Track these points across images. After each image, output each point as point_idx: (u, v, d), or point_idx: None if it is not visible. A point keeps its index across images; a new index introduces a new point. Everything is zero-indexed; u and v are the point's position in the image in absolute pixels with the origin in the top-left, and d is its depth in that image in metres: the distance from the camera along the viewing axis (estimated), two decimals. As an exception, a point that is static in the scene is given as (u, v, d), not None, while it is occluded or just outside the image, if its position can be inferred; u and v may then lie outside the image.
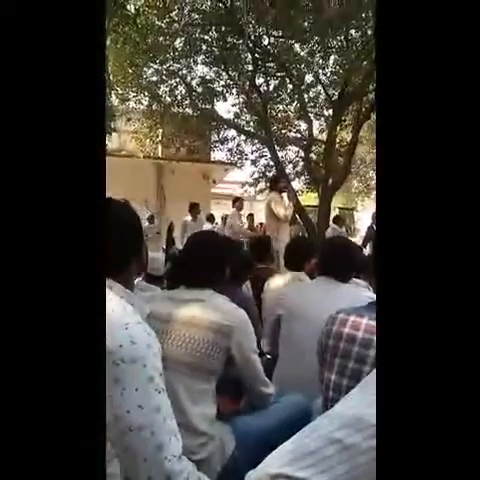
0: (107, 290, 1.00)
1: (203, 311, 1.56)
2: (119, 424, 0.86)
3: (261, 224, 8.86)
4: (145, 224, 8.96)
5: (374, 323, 1.26)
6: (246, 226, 10.00)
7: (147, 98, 9.38)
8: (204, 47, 8.74)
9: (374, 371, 0.67)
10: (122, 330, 0.90)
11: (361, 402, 0.65)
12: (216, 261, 1.69)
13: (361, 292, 2.09)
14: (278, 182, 5.73)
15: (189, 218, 8.61)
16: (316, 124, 10.93)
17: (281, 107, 10.76)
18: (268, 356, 2.47)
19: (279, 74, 9.46)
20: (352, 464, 0.60)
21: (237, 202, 7.66)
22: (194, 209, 8.49)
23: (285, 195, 5.57)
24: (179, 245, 7.27)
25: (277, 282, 3.08)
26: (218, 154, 11.96)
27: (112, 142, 9.60)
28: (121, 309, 0.95)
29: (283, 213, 5.27)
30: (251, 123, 10.61)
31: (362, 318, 1.33)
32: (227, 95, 9.74)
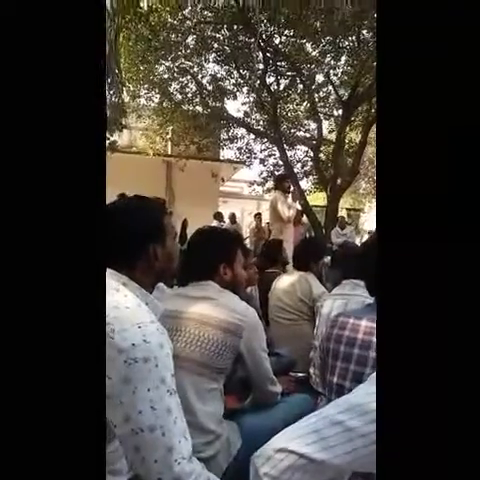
0: (122, 287, 0.99)
1: (213, 309, 1.56)
2: (130, 424, 0.85)
3: (268, 224, 8.80)
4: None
5: (372, 324, 1.27)
6: (254, 225, 10.00)
7: (158, 95, 9.40)
8: (216, 45, 8.76)
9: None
10: (135, 329, 0.88)
11: (364, 392, 0.70)
12: (211, 253, 1.69)
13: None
14: (283, 181, 5.45)
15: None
16: (326, 124, 10.93)
17: (291, 107, 10.73)
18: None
19: (290, 73, 9.45)
20: (352, 445, 0.65)
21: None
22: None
23: (290, 195, 5.34)
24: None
25: (284, 281, 3.10)
26: (227, 152, 11.96)
27: (122, 139, 9.61)
28: (135, 307, 0.95)
29: (287, 213, 5.12)
30: (261, 122, 10.59)
31: (361, 320, 1.34)
32: (237, 94, 9.76)
